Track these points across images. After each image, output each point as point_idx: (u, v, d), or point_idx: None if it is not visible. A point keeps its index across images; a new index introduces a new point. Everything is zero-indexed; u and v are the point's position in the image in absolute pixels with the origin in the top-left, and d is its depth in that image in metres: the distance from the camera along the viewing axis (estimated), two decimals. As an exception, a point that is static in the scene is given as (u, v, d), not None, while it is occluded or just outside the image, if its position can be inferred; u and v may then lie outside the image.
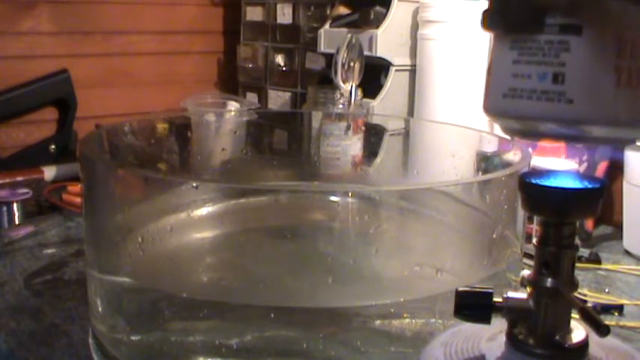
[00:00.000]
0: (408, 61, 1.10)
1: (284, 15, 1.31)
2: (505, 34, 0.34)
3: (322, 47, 1.16)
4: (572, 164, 0.82)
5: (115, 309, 0.52)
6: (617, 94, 0.32)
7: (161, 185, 0.57)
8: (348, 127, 0.88)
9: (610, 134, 0.33)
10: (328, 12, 1.22)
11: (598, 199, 0.34)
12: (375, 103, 1.07)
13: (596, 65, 0.32)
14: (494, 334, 0.37)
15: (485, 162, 0.67)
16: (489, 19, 0.34)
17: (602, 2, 0.32)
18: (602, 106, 0.32)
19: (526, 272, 0.37)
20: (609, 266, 0.78)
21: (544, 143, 0.84)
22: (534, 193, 0.35)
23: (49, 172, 1.14)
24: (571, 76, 0.32)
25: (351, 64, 0.96)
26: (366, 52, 1.02)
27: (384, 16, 1.08)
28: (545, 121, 0.33)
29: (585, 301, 0.66)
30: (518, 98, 0.33)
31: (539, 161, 0.77)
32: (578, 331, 0.36)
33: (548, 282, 0.35)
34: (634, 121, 0.33)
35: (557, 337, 0.35)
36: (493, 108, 0.35)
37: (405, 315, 0.49)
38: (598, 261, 0.78)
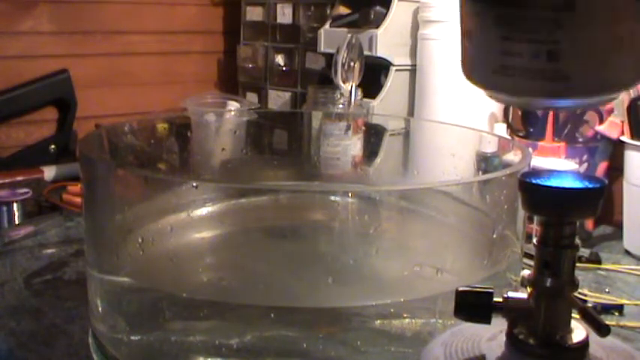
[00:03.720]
0: (408, 61, 1.10)
1: (284, 15, 1.31)
2: (491, 8, 0.33)
3: (322, 47, 1.16)
4: (572, 164, 0.82)
5: (115, 309, 0.52)
6: (613, 64, 0.32)
7: (161, 185, 0.57)
8: (348, 127, 0.88)
9: (604, 99, 0.33)
10: (328, 12, 1.22)
11: (598, 199, 0.34)
12: (375, 103, 1.07)
13: (591, 39, 0.31)
14: (494, 334, 0.37)
15: (485, 162, 0.67)
16: None
17: None
18: (598, 78, 0.32)
19: (526, 272, 0.37)
20: (609, 266, 0.78)
21: (545, 143, 0.84)
22: (534, 193, 0.35)
23: (49, 172, 1.14)
24: (566, 53, 0.31)
25: (351, 64, 0.96)
26: (366, 52, 1.02)
27: (384, 16, 1.08)
28: (541, 97, 0.33)
29: (585, 301, 0.66)
30: (511, 76, 0.33)
31: (539, 161, 0.77)
32: (578, 331, 0.36)
33: (548, 282, 0.35)
34: (631, 83, 0.33)
35: (557, 337, 0.35)
36: (483, 82, 0.35)
37: (405, 315, 0.49)
38: (598, 261, 0.78)
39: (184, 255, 0.58)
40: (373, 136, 0.86)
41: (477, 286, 0.37)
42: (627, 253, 0.84)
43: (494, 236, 0.55)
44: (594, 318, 0.34)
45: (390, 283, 0.54)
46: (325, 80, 1.15)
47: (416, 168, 0.82)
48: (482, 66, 0.34)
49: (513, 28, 0.32)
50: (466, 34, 0.35)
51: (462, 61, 0.36)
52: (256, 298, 0.49)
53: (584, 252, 0.78)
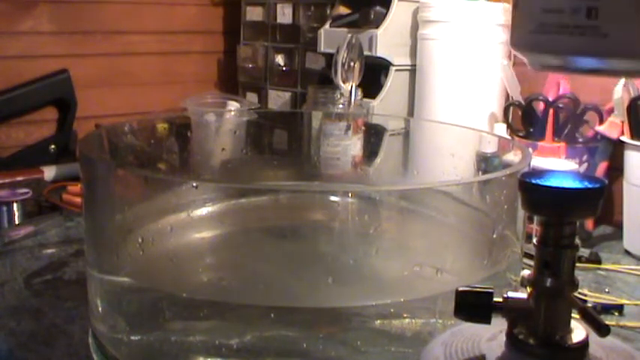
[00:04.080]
0: (408, 61, 1.10)
1: (284, 15, 1.31)
2: None
3: (322, 47, 1.16)
4: (572, 164, 0.82)
5: (115, 309, 0.52)
6: None
7: (161, 185, 0.57)
8: (348, 127, 0.88)
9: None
10: (328, 12, 1.22)
11: (598, 199, 0.34)
12: (375, 103, 1.07)
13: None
14: (494, 334, 0.37)
15: (485, 162, 0.67)
16: None
17: None
18: (636, 39, 0.32)
19: (526, 272, 0.37)
20: (609, 266, 0.78)
21: (545, 143, 0.84)
22: (534, 193, 0.35)
23: (49, 172, 1.14)
24: (605, 10, 0.32)
25: (351, 64, 0.96)
26: (366, 52, 1.02)
27: (384, 16, 1.08)
28: (579, 55, 0.33)
29: (585, 301, 0.66)
30: (549, 33, 0.33)
31: (539, 161, 0.77)
32: (578, 331, 0.36)
33: (548, 282, 0.35)
34: None
35: (557, 337, 0.35)
36: (522, 42, 0.35)
37: (405, 315, 0.49)
38: (598, 261, 0.78)
39: (184, 255, 0.58)
40: (373, 136, 0.86)
41: (476, 286, 0.37)
42: (627, 253, 0.84)
43: (494, 236, 0.55)
44: (594, 318, 0.34)
45: (390, 283, 0.54)
46: (325, 80, 1.15)
47: (416, 168, 0.82)
48: (524, 26, 0.35)
49: None
50: (515, 2, 0.36)
51: (510, 34, 0.36)
52: (256, 298, 0.49)
53: (584, 252, 0.78)
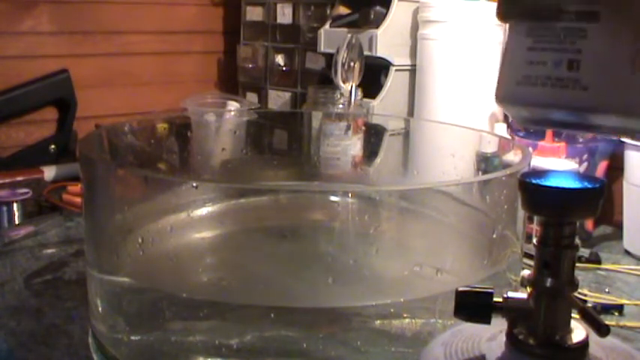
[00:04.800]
0: (408, 61, 1.10)
1: (284, 15, 1.31)
2: (521, 22, 0.34)
3: (322, 47, 1.16)
4: (572, 164, 0.82)
5: (115, 309, 0.52)
6: (632, 83, 0.31)
7: (161, 185, 0.57)
8: (348, 127, 0.88)
9: (623, 124, 0.33)
10: (328, 12, 1.22)
11: (598, 199, 0.34)
12: (375, 103, 1.07)
13: (612, 53, 0.31)
14: (494, 334, 0.37)
15: (485, 162, 0.67)
16: (505, 8, 0.34)
17: None
18: (616, 94, 0.31)
19: (526, 272, 0.37)
20: (609, 266, 0.78)
21: (545, 143, 0.84)
22: (534, 193, 0.35)
23: (49, 172, 1.14)
24: (586, 63, 0.31)
25: (351, 64, 0.96)
26: (366, 52, 1.02)
27: (384, 16, 1.08)
28: (559, 108, 0.33)
29: (585, 301, 0.66)
30: (532, 85, 0.33)
31: (539, 161, 0.77)
32: (578, 331, 0.36)
33: (548, 282, 0.35)
34: None
35: (557, 337, 0.35)
36: (506, 95, 0.35)
37: (405, 315, 0.49)
38: (598, 261, 0.78)
39: (184, 255, 0.58)
40: (373, 136, 0.86)
41: (476, 286, 0.37)
42: (627, 253, 0.84)
43: (494, 236, 0.55)
44: (594, 318, 0.34)
45: (390, 283, 0.54)
46: (325, 80, 1.15)
47: (416, 168, 0.82)
48: (508, 80, 0.35)
49: (539, 39, 0.33)
50: (502, 58, 0.36)
51: (495, 89, 0.36)
52: (256, 298, 0.49)
53: (584, 252, 0.78)
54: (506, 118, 0.98)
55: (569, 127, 0.34)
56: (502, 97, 0.35)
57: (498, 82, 0.36)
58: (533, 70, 0.33)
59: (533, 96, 0.33)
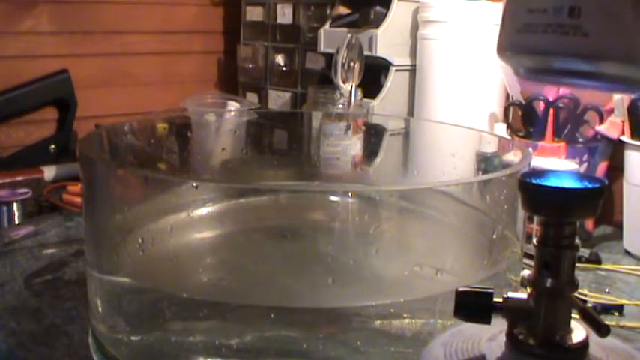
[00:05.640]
0: (408, 61, 1.10)
1: (284, 15, 1.31)
2: None
3: (322, 47, 1.16)
4: (572, 164, 0.82)
5: (115, 309, 0.52)
6: (633, 29, 0.31)
7: (161, 185, 0.57)
8: (348, 127, 0.88)
9: (624, 71, 0.32)
10: (328, 12, 1.22)
11: (598, 199, 0.34)
12: (375, 103, 1.07)
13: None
14: (494, 334, 0.37)
15: (485, 162, 0.67)
16: None
17: None
18: (618, 40, 0.31)
19: (526, 272, 0.37)
20: (609, 266, 0.78)
21: (545, 143, 0.84)
22: (534, 193, 0.35)
23: (49, 172, 1.14)
24: (587, 10, 0.31)
25: (351, 64, 0.96)
26: (366, 52, 1.02)
27: (384, 16, 1.08)
28: (560, 55, 0.32)
29: (585, 301, 0.66)
30: (533, 33, 0.33)
31: (539, 161, 0.77)
32: (578, 331, 0.36)
33: (548, 282, 0.35)
34: None
35: (557, 337, 0.35)
36: (508, 45, 0.35)
37: (405, 315, 0.49)
38: (598, 261, 0.78)
39: (184, 255, 0.58)
40: (373, 136, 0.86)
41: (476, 286, 0.37)
42: (627, 253, 0.84)
43: (494, 236, 0.55)
44: (594, 318, 0.34)
45: (390, 283, 0.54)
46: (325, 80, 1.15)
47: (416, 168, 0.82)
48: (509, 29, 0.34)
49: None
50: (503, 11, 0.35)
51: (497, 41, 0.36)
52: (256, 298, 0.49)
53: (584, 252, 0.78)
54: (506, 118, 0.98)
55: (571, 76, 0.33)
56: (504, 46, 0.35)
57: (500, 34, 0.36)
58: (534, 18, 0.33)
59: (534, 43, 0.33)
